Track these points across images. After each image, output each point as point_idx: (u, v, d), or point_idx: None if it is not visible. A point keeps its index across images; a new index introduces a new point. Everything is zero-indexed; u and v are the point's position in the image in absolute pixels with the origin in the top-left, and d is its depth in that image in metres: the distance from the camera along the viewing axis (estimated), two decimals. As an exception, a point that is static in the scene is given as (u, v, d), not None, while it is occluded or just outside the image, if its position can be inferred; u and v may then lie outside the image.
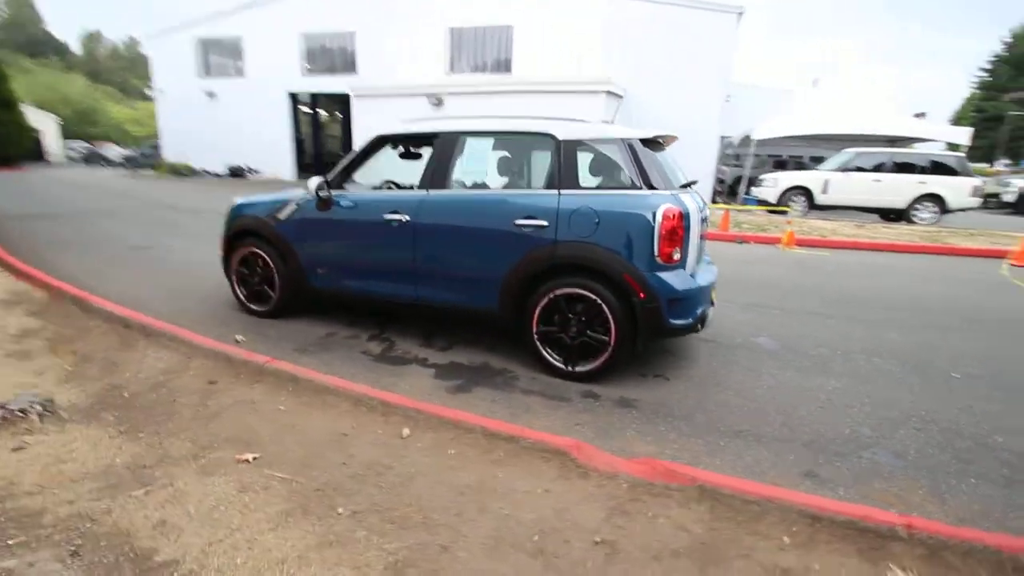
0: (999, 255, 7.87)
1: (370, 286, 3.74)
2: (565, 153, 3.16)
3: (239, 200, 4.32)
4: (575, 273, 3.09)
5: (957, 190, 11.63)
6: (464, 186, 3.50)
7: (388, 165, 4.10)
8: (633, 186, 3.07)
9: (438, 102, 15.19)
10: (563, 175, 3.15)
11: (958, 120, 40.82)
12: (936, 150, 14.23)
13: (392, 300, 3.70)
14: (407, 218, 3.46)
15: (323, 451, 2.25)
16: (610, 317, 3.02)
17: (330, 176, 3.78)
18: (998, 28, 61.22)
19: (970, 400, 3.10)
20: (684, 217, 3.00)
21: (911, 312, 5.01)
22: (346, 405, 2.63)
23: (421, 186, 3.55)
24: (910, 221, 12.03)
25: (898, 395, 3.15)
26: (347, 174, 3.89)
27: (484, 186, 3.45)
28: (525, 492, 2.00)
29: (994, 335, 4.40)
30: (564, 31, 16.39)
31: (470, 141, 3.47)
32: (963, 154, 12.69)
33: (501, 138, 3.43)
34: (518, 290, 3.23)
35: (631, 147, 3.13)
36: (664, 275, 2.98)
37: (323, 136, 27.88)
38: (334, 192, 3.76)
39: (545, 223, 3.09)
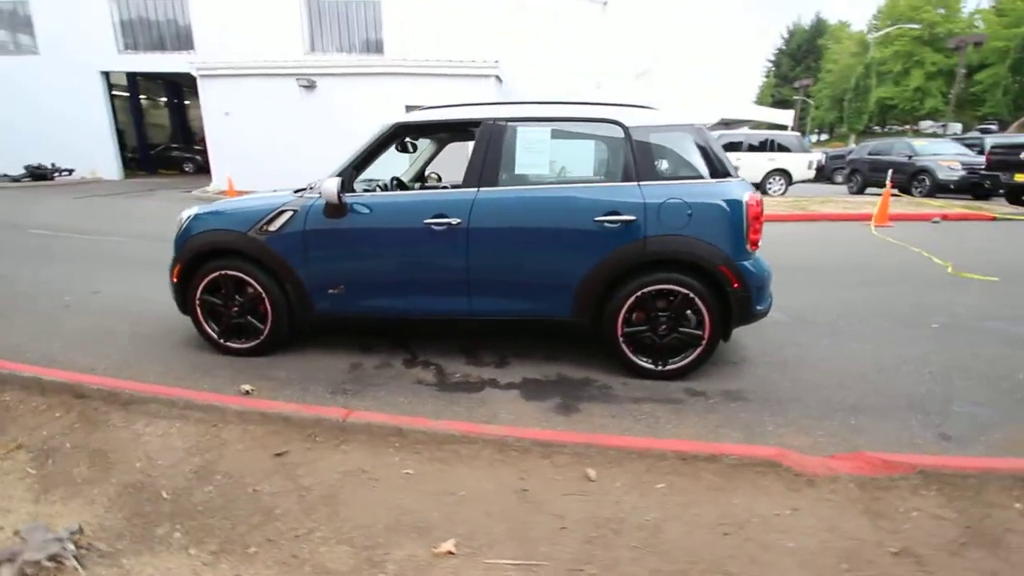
0: (859, 219, 9.45)
1: (406, 303, 3.18)
2: (638, 142, 2.97)
3: (197, 211, 3.37)
4: (664, 268, 2.94)
5: (799, 165, 13.73)
6: (520, 181, 3.11)
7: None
8: (711, 174, 2.99)
9: (310, 84, 13.65)
10: (640, 165, 2.95)
11: (759, 103, 48.21)
12: (780, 132, 16.61)
13: (436, 316, 3.19)
14: (458, 222, 2.98)
15: (520, 517, 1.83)
16: (703, 310, 2.94)
17: (342, 175, 3.11)
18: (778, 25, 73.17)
19: (967, 346, 3.61)
20: (762, 204, 3.01)
21: (840, 272, 5.77)
22: (489, 452, 2.18)
23: (465, 183, 3.08)
24: (764, 192, 13.90)
25: (916, 349, 3.55)
26: (358, 172, 3.25)
27: (544, 181, 3.10)
28: (777, 516, 1.84)
29: (915, 286, 5.23)
30: (437, 11, 15.75)
31: (521, 130, 3.09)
32: (800, 134, 15.00)
33: (559, 126, 3.10)
34: (599, 292, 2.98)
35: (701, 133, 3.04)
36: (749, 263, 2.96)
37: (146, 125, 23.62)
38: (347, 196, 3.11)
39: (633, 218, 2.88)
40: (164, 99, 25.05)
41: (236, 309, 3.32)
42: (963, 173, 12.47)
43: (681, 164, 3.05)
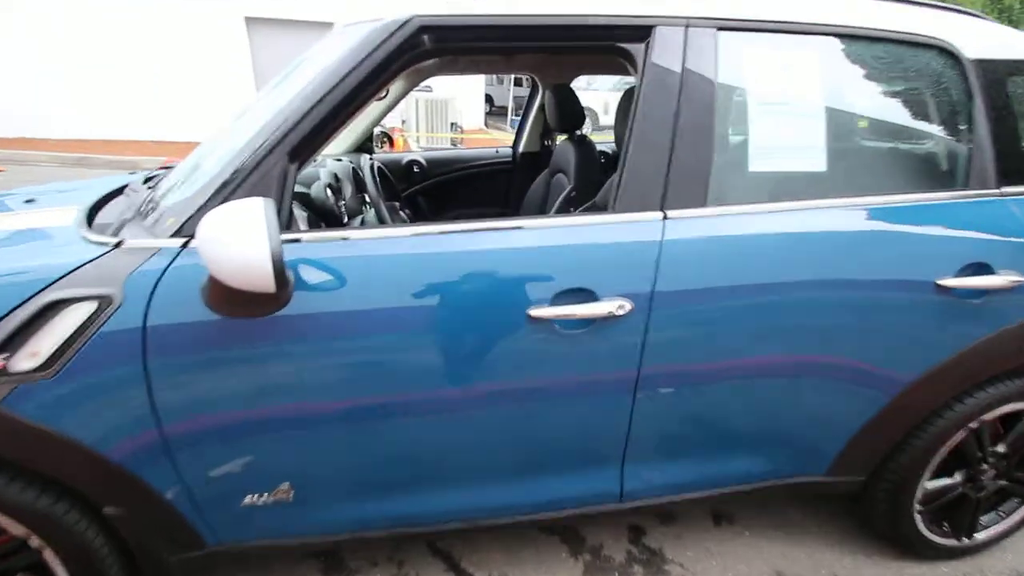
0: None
1: (461, 501, 1.26)
2: (994, 95, 1.30)
3: None
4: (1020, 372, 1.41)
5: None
6: (754, 191, 1.25)
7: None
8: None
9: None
10: (1006, 151, 1.31)
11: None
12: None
13: (533, 518, 1.32)
14: (627, 308, 1.10)
15: None
16: (1055, 434, 1.50)
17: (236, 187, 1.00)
18: None
19: None
20: None
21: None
22: None
23: (621, 201, 1.16)
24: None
25: None
26: (301, 165, 1.12)
27: (809, 188, 1.25)
28: None
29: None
30: None
31: (754, 58, 1.22)
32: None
33: (828, 51, 1.27)
34: (909, 426, 1.37)
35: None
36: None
37: None
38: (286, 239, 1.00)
39: (1021, 279, 1.26)
40: None
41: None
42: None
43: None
